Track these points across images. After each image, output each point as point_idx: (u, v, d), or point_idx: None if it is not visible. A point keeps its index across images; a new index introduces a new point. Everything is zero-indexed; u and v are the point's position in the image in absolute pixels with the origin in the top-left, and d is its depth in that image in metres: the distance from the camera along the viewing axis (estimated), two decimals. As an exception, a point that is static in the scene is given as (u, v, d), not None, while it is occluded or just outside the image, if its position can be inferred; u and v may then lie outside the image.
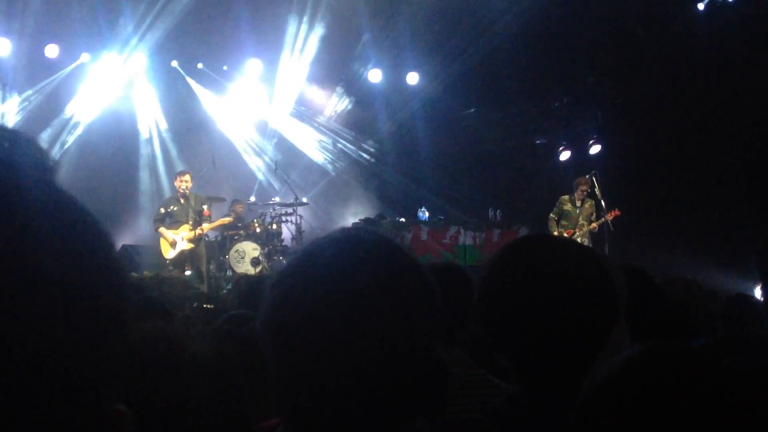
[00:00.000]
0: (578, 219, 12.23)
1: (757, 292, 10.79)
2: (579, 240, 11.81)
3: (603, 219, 12.02)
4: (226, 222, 12.88)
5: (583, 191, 12.30)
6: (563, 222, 12.30)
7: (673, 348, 1.30)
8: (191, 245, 11.74)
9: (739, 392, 1.20)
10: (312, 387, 1.20)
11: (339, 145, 17.77)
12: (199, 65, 16.55)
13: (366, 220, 14.91)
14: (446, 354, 2.77)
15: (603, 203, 11.98)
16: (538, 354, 1.69)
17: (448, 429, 1.49)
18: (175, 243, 11.71)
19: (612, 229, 11.77)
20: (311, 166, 17.51)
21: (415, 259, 1.32)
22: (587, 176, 12.48)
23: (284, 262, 1.26)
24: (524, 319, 1.70)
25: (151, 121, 16.51)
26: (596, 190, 12.11)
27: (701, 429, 1.19)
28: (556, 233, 12.02)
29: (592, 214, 12.28)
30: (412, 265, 1.29)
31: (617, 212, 12.05)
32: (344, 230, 1.35)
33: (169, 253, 11.76)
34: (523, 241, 1.88)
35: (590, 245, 11.30)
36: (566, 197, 12.41)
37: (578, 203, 12.30)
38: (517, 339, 1.73)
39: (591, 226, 12.08)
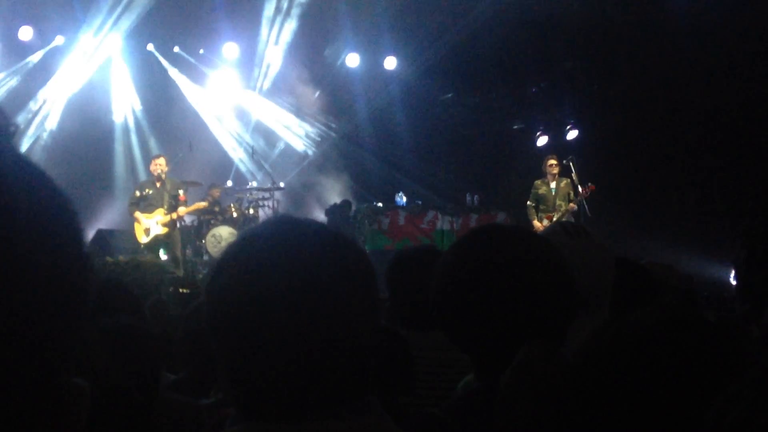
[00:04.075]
0: (554, 201, 11.95)
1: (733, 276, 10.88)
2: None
3: (579, 197, 11.79)
4: (201, 206, 12.76)
5: (552, 168, 12.03)
6: (541, 207, 12.04)
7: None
8: (166, 229, 11.65)
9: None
10: (259, 374, 1.21)
11: (316, 129, 17.69)
12: (175, 48, 16.37)
13: (333, 207, 14.91)
14: (424, 338, 2.75)
15: (579, 187, 11.86)
16: (498, 349, 1.67)
17: (404, 425, 1.49)
18: (149, 228, 11.62)
19: (589, 214, 11.68)
20: (288, 150, 17.44)
21: (350, 239, 1.34)
22: (553, 154, 12.40)
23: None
24: (480, 316, 1.69)
25: (126, 104, 16.33)
26: (573, 175, 12.00)
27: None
28: (536, 221, 11.95)
29: (569, 192, 11.99)
30: (346, 244, 1.31)
31: (592, 187, 11.76)
32: (275, 219, 1.37)
33: (142, 238, 11.68)
34: (472, 236, 1.85)
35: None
36: (539, 181, 12.14)
37: (552, 184, 12.07)
38: (475, 336, 1.72)
39: (569, 206, 11.91)
